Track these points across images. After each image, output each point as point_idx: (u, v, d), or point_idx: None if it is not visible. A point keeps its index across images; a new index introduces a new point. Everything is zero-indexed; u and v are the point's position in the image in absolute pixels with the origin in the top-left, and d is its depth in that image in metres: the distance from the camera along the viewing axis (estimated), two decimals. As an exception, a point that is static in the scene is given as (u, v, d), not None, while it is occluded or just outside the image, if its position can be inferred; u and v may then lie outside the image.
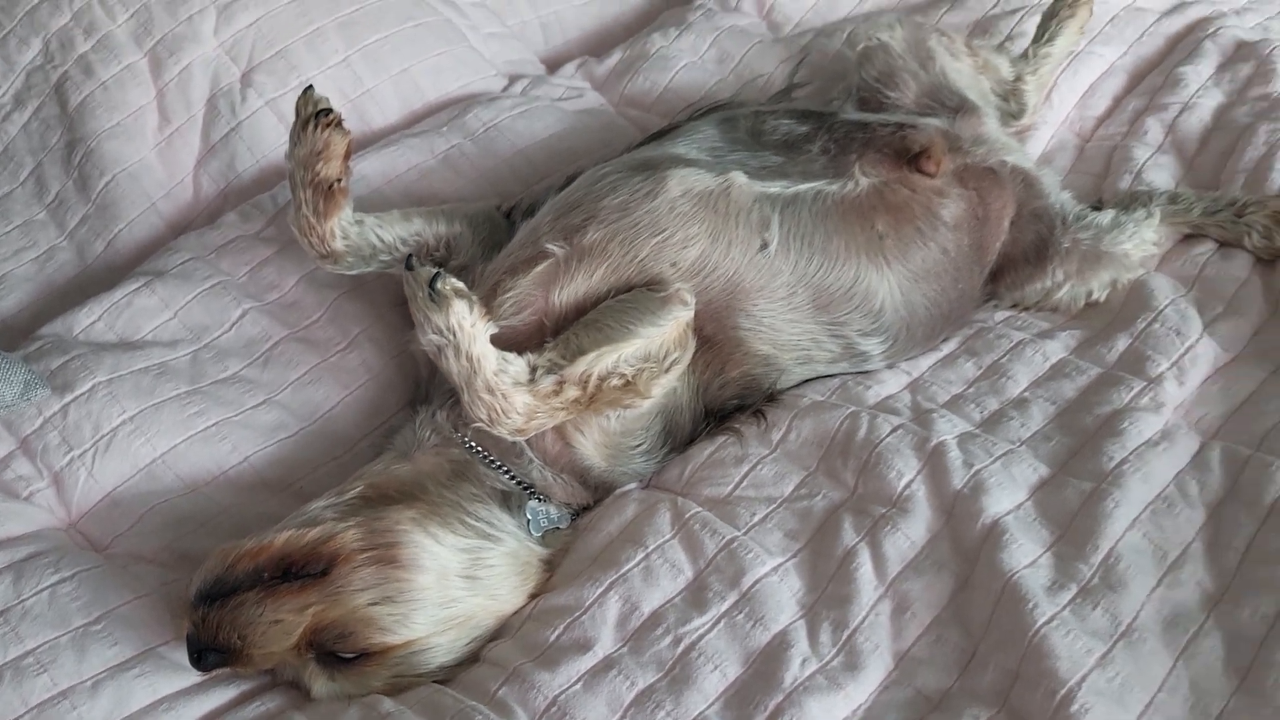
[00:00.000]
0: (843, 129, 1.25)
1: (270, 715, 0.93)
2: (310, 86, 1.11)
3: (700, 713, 0.90)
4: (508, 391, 0.97)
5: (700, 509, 1.06)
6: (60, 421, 1.09)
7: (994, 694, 0.90)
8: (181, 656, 0.92)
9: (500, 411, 0.97)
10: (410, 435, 1.08)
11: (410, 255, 1.01)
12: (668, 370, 1.03)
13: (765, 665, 0.94)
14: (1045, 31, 1.51)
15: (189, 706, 0.92)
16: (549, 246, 1.07)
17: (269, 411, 1.14)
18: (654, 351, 1.03)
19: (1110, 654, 0.90)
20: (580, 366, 0.99)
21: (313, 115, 1.09)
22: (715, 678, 0.93)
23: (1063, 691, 0.87)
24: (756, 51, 1.59)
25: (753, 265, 1.11)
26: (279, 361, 1.18)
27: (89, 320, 1.17)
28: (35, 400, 1.07)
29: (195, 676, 0.93)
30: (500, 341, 1.00)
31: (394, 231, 1.17)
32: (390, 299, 1.23)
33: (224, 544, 0.92)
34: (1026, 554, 0.98)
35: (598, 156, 1.32)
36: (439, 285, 0.96)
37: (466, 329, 0.96)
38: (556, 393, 0.98)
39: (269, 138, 1.40)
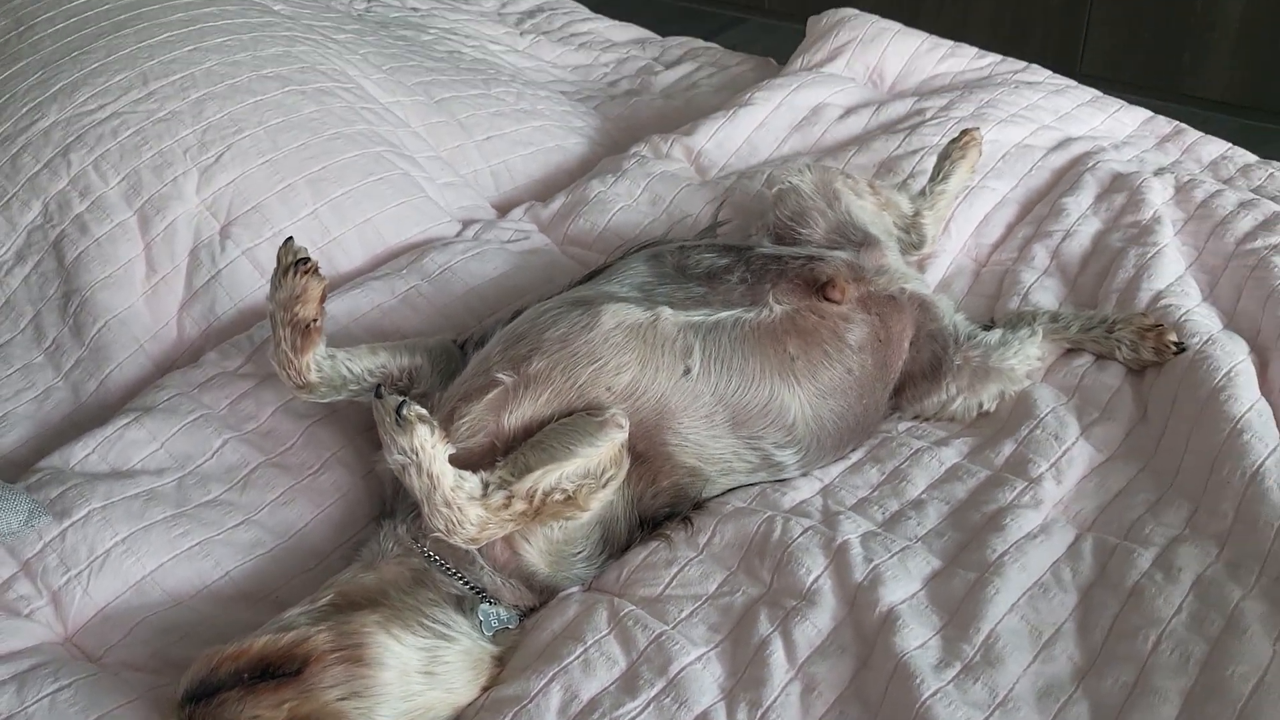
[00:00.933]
0: (759, 261, 1.42)
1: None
2: (290, 238, 1.26)
3: (629, 789, 1.02)
4: (463, 505, 1.10)
5: (634, 607, 1.19)
6: (59, 545, 1.20)
7: (889, 763, 1.04)
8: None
9: (456, 522, 1.10)
10: (375, 547, 1.21)
11: (379, 385, 1.16)
12: (604, 486, 1.18)
13: (689, 746, 1.06)
14: (940, 170, 1.70)
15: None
16: (499, 375, 1.23)
17: (248, 530, 1.26)
18: (593, 469, 1.17)
19: (988, 721, 1.04)
20: (527, 483, 1.13)
21: (292, 263, 1.24)
22: (644, 756, 1.06)
23: (943, 754, 1.00)
24: (685, 193, 1.77)
25: (677, 389, 1.26)
26: (257, 485, 1.30)
27: (84, 453, 1.30)
28: (38, 527, 1.19)
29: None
30: (457, 461, 1.14)
31: (362, 364, 1.31)
32: (358, 425, 1.37)
33: (208, 650, 1.04)
34: (917, 637, 1.11)
35: (542, 292, 1.48)
36: (404, 411, 1.10)
37: (428, 450, 1.10)
38: (506, 506, 1.12)
39: (245, 283, 1.54)
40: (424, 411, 1.12)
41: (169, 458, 1.31)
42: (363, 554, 1.21)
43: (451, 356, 1.38)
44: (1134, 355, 1.46)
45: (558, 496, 1.14)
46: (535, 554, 1.19)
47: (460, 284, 1.54)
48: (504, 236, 1.68)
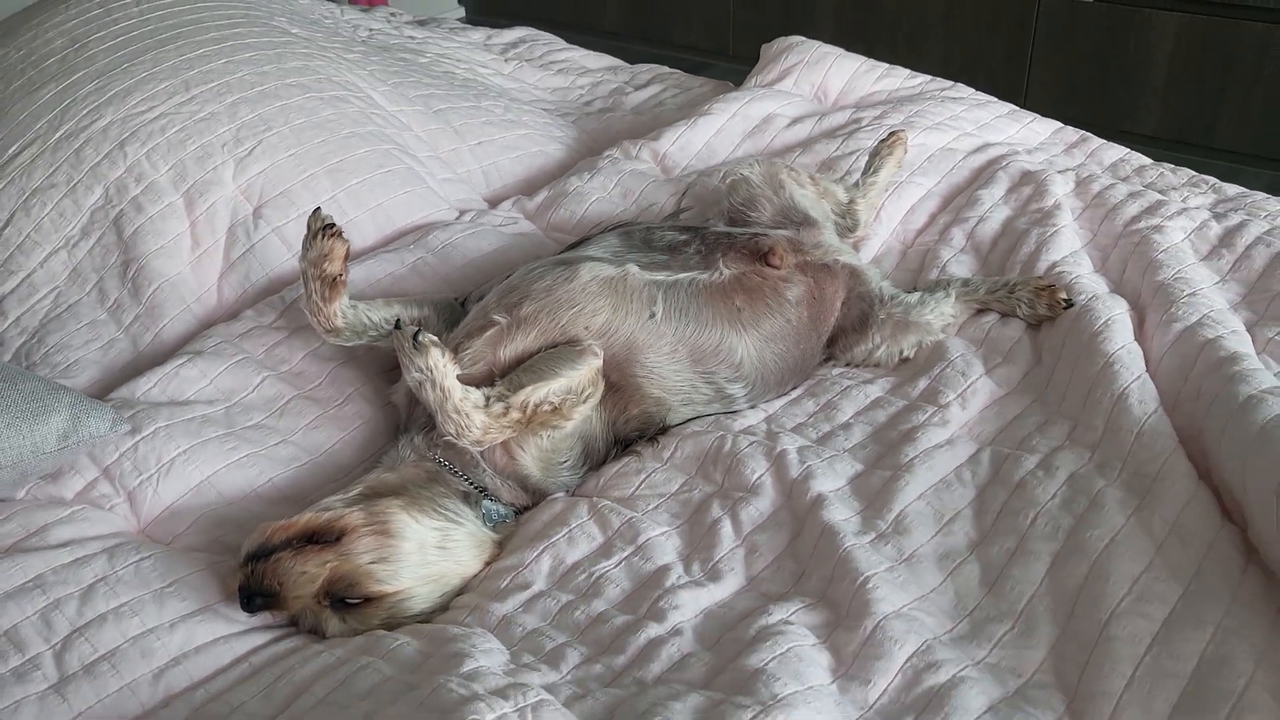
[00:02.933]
0: (713, 237, 1.68)
1: (298, 647, 1.27)
2: (319, 208, 1.51)
3: (602, 612, 1.26)
4: (469, 412, 1.35)
5: (610, 502, 1.44)
6: (132, 454, 1.44)
7: (815, 593, 1.27)
8: (231, 611, 1.27)
9: (464, 427, 1.35)
10: (395, 454, 1.45)
11: (398, 319, 1.41)
12: (584, 401, 1.43)
13: (652, 579, 1.29)
14: (871, 165, 1.95)
15: (239, 642, 1.25)
16: (495, 316, 1.48)
17: (285, 448, 1.50)
18: (574, 387, 1.42)
19: (896, 567, 1.28)
20: (521, 396, 1.38)
21: (321, 228, 1.49)
22: (615, 592, 1.29)
23: (860, 579, 1.24)
24: (652, 188, 2.03)
25: (644, 329, 1.52)
26: (291, 413, 1.54)
27: (146, 386, 1.53)
28: (118, 434, 1.43)
29: (241, 624, 1.26)
30: (462, 380, 1.39)
31: (380, 314, 1.56)
32: (376, 367, 1.62)
33: (263, 523, 1.28)
34: (841, 514, 1.36)
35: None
36: (420, 338, 1.36)
37: (440, 368, 1.35)
38: (504, 414, 1.37)
39: (275, 256, 1.78)
40: (435, 337, 1.37)
41: (217, 391, 1.56)
42: (384, 460, 1.46)
43: (454, 310, 1.63)
44: (1031, 311, 1.72)
45: (546, 407, 1.39)
46: (529, 459, 1.44)
47: (460, 257, 1.79)
48: (496, 221, 1.93)
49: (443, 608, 1.33)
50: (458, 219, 1.94)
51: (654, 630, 1.22)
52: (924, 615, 1.23)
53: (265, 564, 1.25)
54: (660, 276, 1.57)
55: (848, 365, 1.72)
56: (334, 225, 1.50)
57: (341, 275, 1.51)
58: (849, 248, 1.86)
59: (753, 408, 1.61)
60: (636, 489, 1.47)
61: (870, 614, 1.21)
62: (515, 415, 1.38)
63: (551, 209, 2.01)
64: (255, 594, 1.24)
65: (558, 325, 1.47)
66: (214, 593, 1.30)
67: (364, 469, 1.51)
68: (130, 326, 1.70)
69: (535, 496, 1.47)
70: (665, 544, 1.36)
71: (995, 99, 2.41)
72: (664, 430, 1.55)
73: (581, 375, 1.42)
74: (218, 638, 1.25)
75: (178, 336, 1.69)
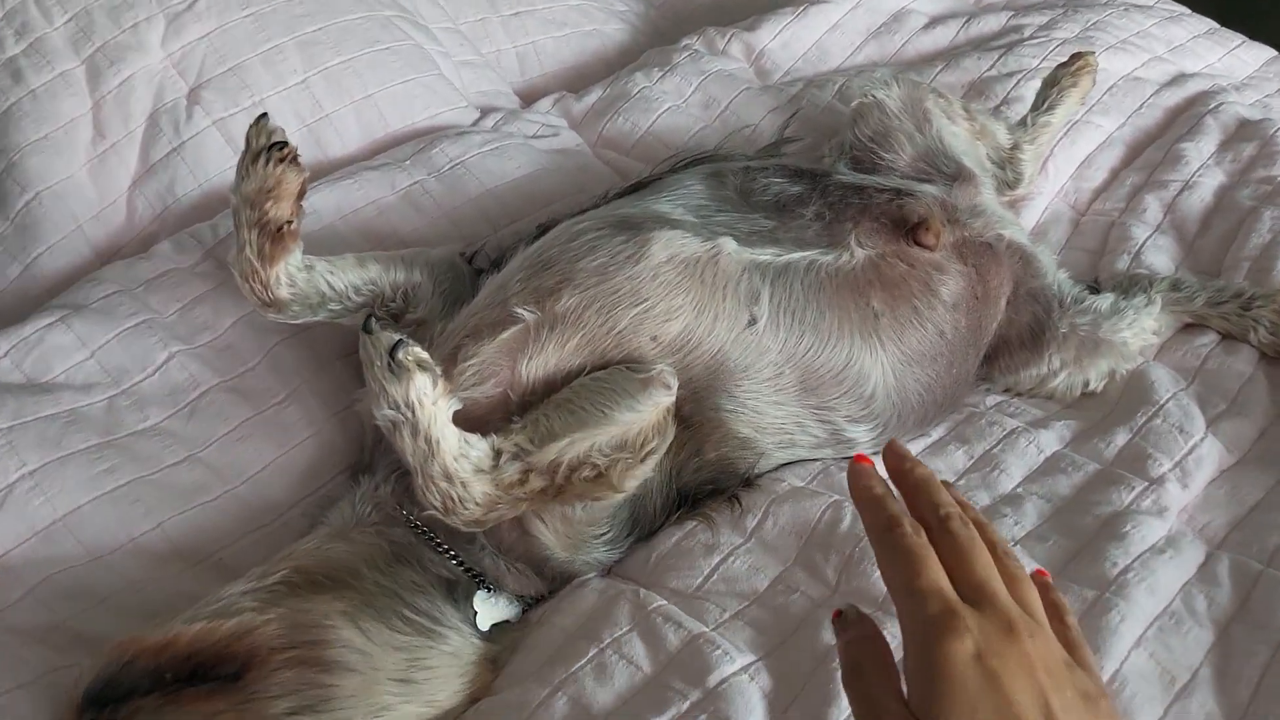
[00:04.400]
0: (837, 192, 1.16)
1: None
2: (265, 115, 0.99)
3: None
4: (467, 480, 0.86)
5: (664, 601, 0.95)
6: (-50, 474, 0.96)
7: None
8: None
9: (457, 500, 0.86)
10: (348, 510, 0.97)
11: (370, 317, 0.91)
12: (643, 460, 0.94)
13: (730, 781, 0.84)
14: (1045, 99, 1.44)
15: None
16: (518, 310, 0.97)
17: (190, 470, 1.02)
18: (631, 440, 0.93)
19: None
20: (549, 454, 0.89)
21: (265, 148, 0.97)
22: (669, 789, 0.83)
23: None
24: (744, 99, 1.51)
25: (739, 343, 1.01)
26: (206, 413, 1.05)
27: (-8, 356, 1.05)
28: (-82, 447, 0.94)
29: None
30: (458, 414, 0.89)
31: (346, 278, 1.06)
32: (337, 349, 1.12)
33: (122, 637, 0.80)
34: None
35: (572, 202, 1.23)
36: (400, 355, 0.85)
37: (427, 406, 0.85)
38: (521, 482, 0.88)
39: (214, 160, 1.27)
40: (425, 356, 0.87)
41: (100, 371, 1.06)
42: (331, 517, 0.97)
43: (459, 275, 1.12)
44: (1273, 339, 1.22)
45: (586, 473, 0.90)
46: (550, 535, 0.95)
47: (474, 183, 1.28)
48: (529, 131, 1.41)
49: None
50: (476, 124, 1.42)
51: None
52: None
53: (115, 716, 0.77)
54: (765, 256, 1.05)
55: (1006, 392, 1.23)
56: (286, 145, 0.99)
57: (292, 223, 1.00)
58: (1012, 215, 1.34)
59: (877, 454, 1.11)
60: (706, 580, 0.98)
61: None
62: (538, 484, 0.88)
63: (606, 116, 1.50)
64: None
65: (611, 332, 0.97)
66: (39, 728, 0.83)
67: (302, 515, 1.02)
68: (-12, 252, 1.19)
69: (554, 582, 1.00)
70: (750, 689, 0.88)
71: (1189, 10, 1.87)
72: (748, 483, 1.06)
73: (644, 420, 0.92)
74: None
75: (58, 273, 1.19)
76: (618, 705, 0.88)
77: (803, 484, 1.06)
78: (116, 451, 1.00)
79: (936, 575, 0.68)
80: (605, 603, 0.96)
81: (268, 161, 0.97)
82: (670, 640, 0.92)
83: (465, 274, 1.12)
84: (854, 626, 0.73)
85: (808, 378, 1.04)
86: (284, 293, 1.02)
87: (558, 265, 1.00)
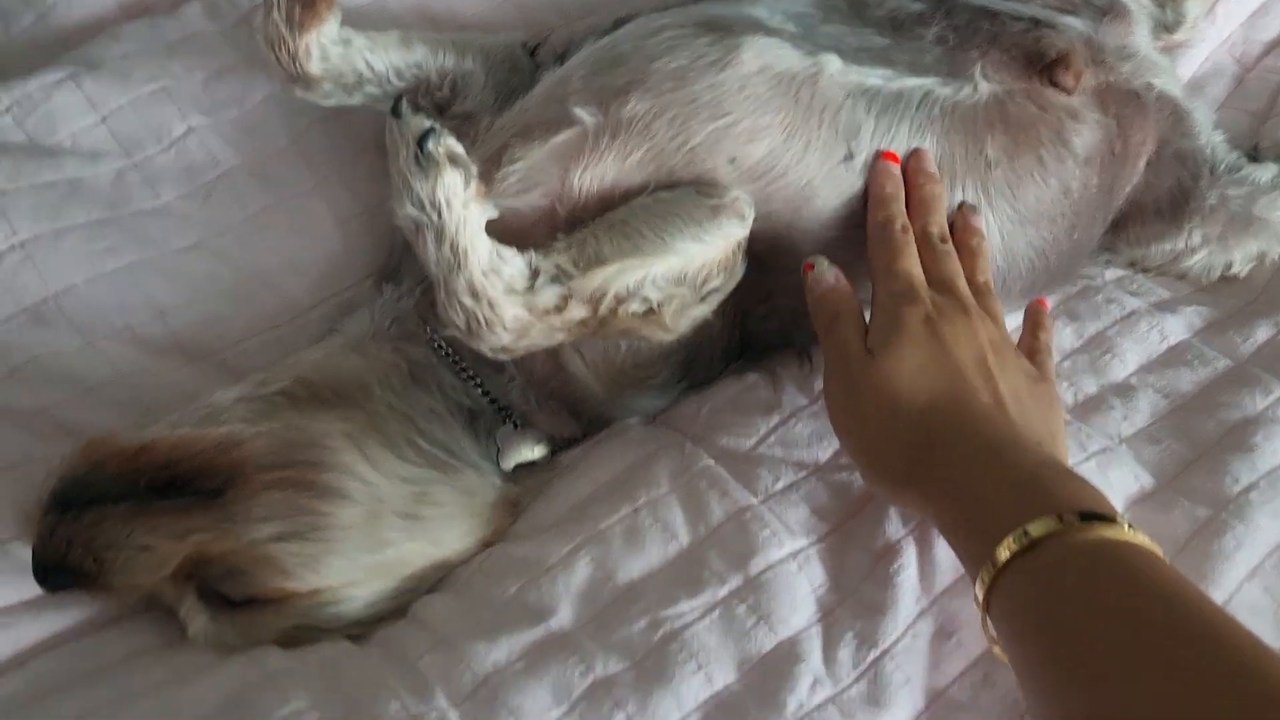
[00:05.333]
0: (965, 14, 0.98)
1: (133, 654, 0.73)
2: None
3: (660, 724, 0.70)
4: (496, 299, 0.74)
5: (712, 462, 0.84)
6: (-66, 231, 0.87)
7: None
8: (27, 558, 0.72)
9: (483, 322, 0.74)
10: (366, 320, 0.86)
11: (400, 97, 0.78)
12: (703, 300, 0.80)
13: (764, 679, 0.73)
14: None
15: (31, 625, 0.73)
16: (577, 111, 0.83)
17: (200, 258, 0.91)
18: (691, 274, 0.79)
19: None
20: (594, 281, 0.76)
21: None
22: (697, 681, 0.73)
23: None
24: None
25: (830, 178, 0.86)
26: (224, 197, 0.94)
27: (-6, 111, 0.94)
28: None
29: (37, 594, 0.73)
30: (496, 226, 0.76)
31: (388, 59, 0.92)
32: (376, 136, 0.99)
33: (94, 435, 0.71)
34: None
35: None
36: (430, 145, 0.72)
37: (456, 209, 0.73)
38: (559, 310, 0.75)
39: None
40: (460, 150, 0.74)
41: (110, 138, 0.94)
42: (346, 326, 0.87)
43: (516, 67, 0.98)
44: None
45: (635, 307, 0.77)
46: (588, 373, 0.83)
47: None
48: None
49: (396, 611, 0.78)
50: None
51: None
52: None
53: (80, 521, 0.69)
54: (875, 79, 0.89)
55: (1132, 266, 1.07)
56: None
57: None
58: (1167, 62, 1.15)
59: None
60: (761, 442, 0.86)
61: None
62: (578, 313, 0.76)
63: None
64: (55, 568, 0.69)
65: (683, 148, 0.82)
66: (7, 520, 0.75)
67: (320, 319, 0.92)
68: (0, -7, 1.06)
69: (590, 425, 0.88)
70: (797, 581, 0.77)
71: None
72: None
73: (709, 254, 0.79)
74: (-7, 607, 0.72)
75: (76, 24, 1.05)
76: (646, 577, 0.78)
77: (883, 347, 0.92)
78: (120, 229, 0.90)
79: (911, 264, 0.80)
80: (645, 455, 0.85)
81: None
82: (714, 510, 0.81)
83: (525, 67, 0.97)
84: (831, 279, 0.82)
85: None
86: (315, 68, 0.89)
87: (629, 64, 0.85)
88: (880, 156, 0.85)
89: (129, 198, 0.92)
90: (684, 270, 0.78)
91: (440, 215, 0.72)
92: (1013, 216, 0.94)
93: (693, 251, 0.78)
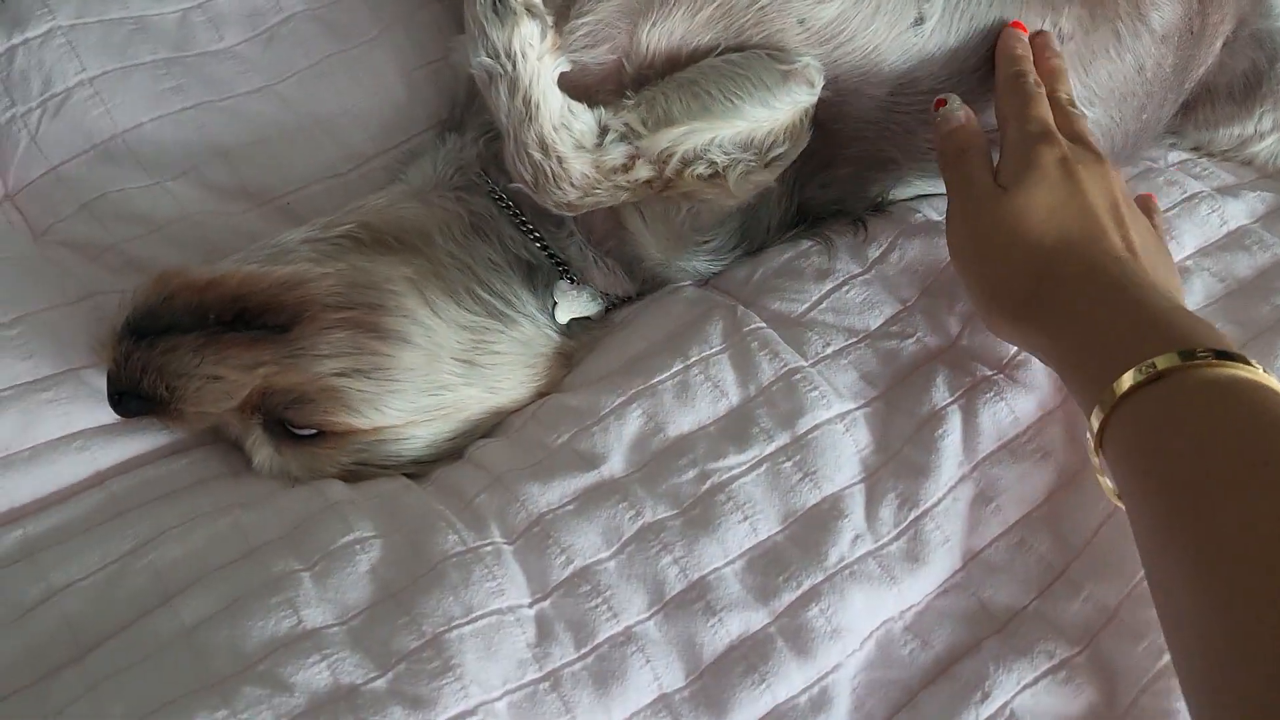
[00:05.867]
0: None
1: (201, 480, 0.76)
2: None
3: (715, 569, 0.72)
4: (565, 155, 0.74)
5: (763, 325, 0.85)
6: (5, 67, 0.87)
7: (1079, 630, 0.72)
8: (101, 384, 0.75)
9: (550, 176, 0.74)
10: (429, 169, 0.86)
11: None
12: (768, 166, 0.80)
13: (808, 531, 0.75)
14: None
15: (106, 448, 0.76)
16: None
17: (264, 101, 0.91)
18: (758, 139, 0.79)
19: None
20: (662, 141, 0.76)
21: None
22: (742, 530, 0.75)
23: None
24: None
25: (898, 44, 0.85)
26: (287, 41, 0.94)
27: (61, -56, 0.94)
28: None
29: (112, 419, 0.76)
30: (563, 79, 0.76)
31: None
32: (447, -13, 0.98)
33: (168, 267, 0.73)
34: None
35: None
36: None
37: (530, 60, 0.72)
38: (625, 169, 0.76)
39: None
40: (538, 1, 0.73)
41: (175, -24, 0.94)
42: (409, 174, 0.87)
43: None
44: None
45: (700, 169, 0.77)
46: (647, 234, 0.84)
47: None
48: None
49: (454, 452, 0.80)
50: None
51: (791, 676, 0.69)
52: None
53: (152, 350, 0.71)
54: None
55: (1195, 150, 1.05)
56: None
57: None
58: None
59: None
60: (813, 307, 0.87)
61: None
62: (644, 173, 0.76)
63: None
64: (129, 393, 0.72)
65: (754, 5, 0.81)
66: (84, 349, 0.77)
67: (382, 168, 0.92)
68: None
69: (644, 284, 0.89)
70: (843, 442, 0.79)
71: None
72: (879, 208, 0.92)
73: (777, 119, 0.78)
74: (73, 433, 0.75)
75: None
76: (695, 431, 0.79)
77: (940, 218, 0.92)
78: (185, 70, 0.90)
79: (1045, 111, 0.80)
80: (697, 315, 0.86)
81: None
82: (764, 370, 0.82)
83: None
84: (960, 116, 0.82)
85: (967, 98, 0.88)
86: None
87: None
88: (1008, 25, 0.85)
89: (193, 39, 0.92)
90: (751, 135, 0.78)
91: (515, 66, 0.72)
92: (1081, 94, 0.92)
93: (761, 117, 0.77)
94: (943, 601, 0.75)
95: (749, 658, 0.70)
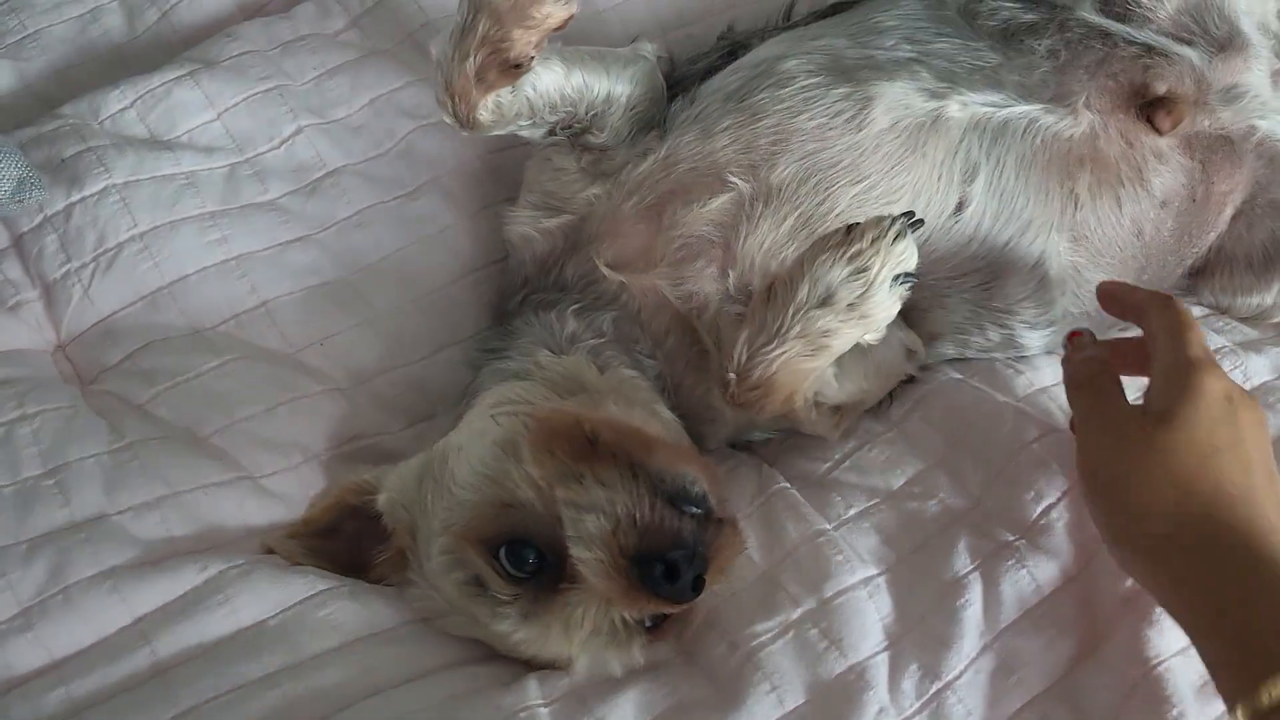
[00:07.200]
0: (1079, 30, 0.97)
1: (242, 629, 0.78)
2: None
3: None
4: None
5: (787, 485, 0.87)
6: (62, 224, 0.91)
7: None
8: (139, 529, 0.78)
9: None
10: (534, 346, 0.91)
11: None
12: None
13: (833, 704, 0.76)
14: None
15: (141, 588, 0.77)
16: (731, 178, 0.87)
17: (304, 251, 0.95)
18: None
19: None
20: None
21: None
22: (769, 702, 0.76)
23: None
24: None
25: (944, 232, 0.90)
26: (328, 194, 0.98)
27: (119, 105, 0.98)
28: (29, 201, 0.89)
29: (141, 551, 0.78)
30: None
31: (549, 93, 0.90)
32: (480, 146, 1.02)
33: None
34: (1180, 638, 0.77)
35: (757, 13, 1.07)
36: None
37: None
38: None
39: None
40: None
41: (225, 135, 0.99)
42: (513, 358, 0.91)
43: (654, 92, 0.97)
44: None
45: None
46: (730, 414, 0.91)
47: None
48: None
49: None
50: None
51: None
52: None
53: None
54: (984, 108, 0.91)
55: (1214, 309, 1.06)
56: None
57: (531, 62, 0.86)
58: (1278, 104, 1.12)
59: (1050, 353, 0.98)
60: (836, 466, 0.89)
61: None
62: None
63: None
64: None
65: (829, 214, 0.87)
66: (117, 495, 0.80)
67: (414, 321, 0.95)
68: (129, -9, 1.11)
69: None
70: (867, 609, 0.80)
71: None
72: (910, 379, 0.95)
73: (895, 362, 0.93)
74: (104, 570, 0.77)
75: (197, 24, 1.10)
76: (725, 597, 0.81)
77: (961, 377, 0.94)
78: (230, 221, 0.94)
79: (1203, 337, 0.76)
80: (723, 474, 0.88)
81: None
82: (789, 532, 0.83)
83: (661, 94, 0.97)
84: (1091, 348, 0.83)
85: (997, 275, 0.92)
86: (485, 117, 0.88)
87: (770, 120, 0.88)
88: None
89: (239, 192, 0.96)
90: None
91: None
92: (1086, 253, 0.94)
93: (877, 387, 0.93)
94: (966, 776, 0.75)
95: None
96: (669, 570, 0.70)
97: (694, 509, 0.74)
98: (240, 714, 0.71)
